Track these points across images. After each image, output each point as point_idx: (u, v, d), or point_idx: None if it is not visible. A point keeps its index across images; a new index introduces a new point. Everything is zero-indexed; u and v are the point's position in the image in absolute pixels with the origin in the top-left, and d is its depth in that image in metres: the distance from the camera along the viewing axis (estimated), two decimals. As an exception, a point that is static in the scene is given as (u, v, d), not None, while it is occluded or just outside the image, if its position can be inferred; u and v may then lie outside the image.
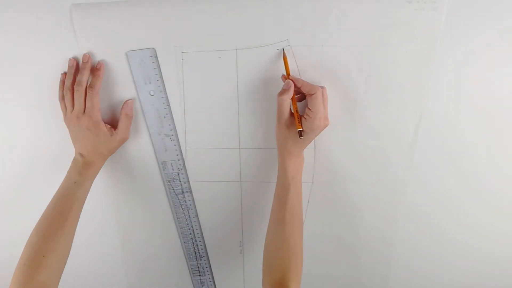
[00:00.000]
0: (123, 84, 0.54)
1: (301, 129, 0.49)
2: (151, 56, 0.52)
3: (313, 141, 0.56)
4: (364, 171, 0.58)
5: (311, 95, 0.48)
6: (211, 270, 0.70)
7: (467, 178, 0.58)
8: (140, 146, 0.59)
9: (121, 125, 0.54)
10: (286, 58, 0.50)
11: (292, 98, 0.50)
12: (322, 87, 0.50)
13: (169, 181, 0.61)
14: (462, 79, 0.51)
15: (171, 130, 0.57)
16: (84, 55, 0.51)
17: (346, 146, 0.56)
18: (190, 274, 0.70)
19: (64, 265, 0.51)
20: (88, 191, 0.54)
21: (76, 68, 0.52)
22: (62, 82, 0.53)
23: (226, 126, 0.57)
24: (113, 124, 0.56)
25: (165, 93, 0.54)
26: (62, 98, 0.53)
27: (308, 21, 0.49)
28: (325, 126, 0.50)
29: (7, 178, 0.64)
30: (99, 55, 0.53)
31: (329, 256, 0.65)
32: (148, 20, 0.50)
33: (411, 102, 0.53)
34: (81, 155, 0.54)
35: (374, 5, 0.47)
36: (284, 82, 0.50)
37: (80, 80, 0.51)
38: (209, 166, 0.60)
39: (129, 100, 0.55)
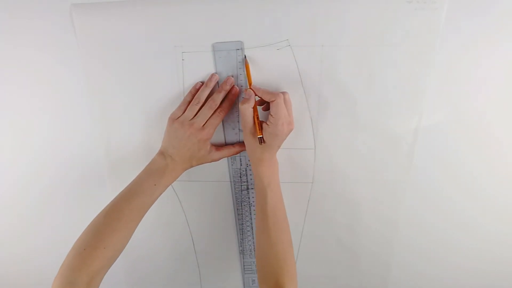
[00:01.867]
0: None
1: (261, 135, 0.50)
2: (238, 49, 0.52)
3: (313, 141, 0.56)
4: (364, 171, 0.58)
5: (272, 101, 0.48)
6: None
7: (465, 179, 0.58)
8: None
9: (224, 152, 0.56)
10: (248, 66, 0.51)
11: (253, 107, 0.50)
12: (284, 93, 0.50)
13: (234, 176, 0.61)
14: (461, 80, 0.51)
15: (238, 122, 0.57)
16: (229, 78, 0.52)
17: (346, 146, 0.56)
18: (242, 271, 0.69)
19: (116, 259, 0.50)
20: (163, 192, 0.54)
21: (216, 84, 0.53)
22: (195, 89, 0.53)
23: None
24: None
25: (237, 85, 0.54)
26: (187, 102, 0.53)
27: (308, 21, 0.49)
28: (290, 130, 0.51)
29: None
30: (101, 56, 0.53)
31: (329, 256, 0.65)
32: (148, 20, 0.50)
33: (411, 102, 0.53)
34: (171, 158, 0.53)
35: (374, 5, 0.47)
36: (245, 93, 0.51)
37: (216, 98, 0.52)
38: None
39: (243, 146, 0.56)
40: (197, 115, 0.52)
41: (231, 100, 0.53)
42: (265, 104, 0.53)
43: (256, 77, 0.53)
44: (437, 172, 0.58)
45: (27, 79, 0.55)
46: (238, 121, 0.57)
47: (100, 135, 0.59)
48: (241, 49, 0.51)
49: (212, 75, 0.53)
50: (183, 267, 0.69)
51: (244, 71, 0.52)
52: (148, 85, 0.55)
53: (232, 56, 0.52)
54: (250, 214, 0.63)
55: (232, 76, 0.53)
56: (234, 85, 0.53)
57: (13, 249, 0.72)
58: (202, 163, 0.56)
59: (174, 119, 0.53)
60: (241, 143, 0.57)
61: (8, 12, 0.51)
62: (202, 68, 0.53)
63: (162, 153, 0.54)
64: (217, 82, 0.53)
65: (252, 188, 0.61)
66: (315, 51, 0.51)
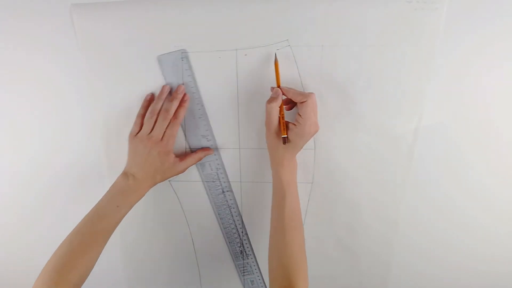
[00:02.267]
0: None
1: (286, 135, 0.50)
2: (182, 58, 0.52)
3: (313, 141, 0.56)
4: (364, 171, 0.58)
5: (302, 102, 0.49)
6: (259, 268, 0.69)
7: (466, 179, 0.58)
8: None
9: (188, 161, 0.56)
10: (277, 64, 0.51)
11: (280, 106, 0.50)
12: (312, 94, 0.50)
13: (207, 182, 0.61)
14: (461, 80, 0.51)
15: (206, 130, 0.57)
16: (180, 86, 0.53)
17: (345, 146, 0.56)
18: (239, 274, 0.69)
19: (89, 274, 0.51)
20: (127, 213, 0.54)
21: (167, 95, 0.53)
22: (147, 102, 0.54)
23: (226, 126, 0.57)
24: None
25: (199, 93, 0.54)
26: (141, 116, 0.54)
27: (308, 21, 0.49)
28: (315, 131, 0.51)
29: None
30: (101, 56, 0.53)
31: (329, 256, 0.65)
32: (148, 20, 0.50)
33: (411, 102, 0.53)
34: (133, 177, 0.53)
35: (374, 5, 0.47)
36: (272, 91, 0.51)
37: (169, 108, 0.52)
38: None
39: (210, 150, 0.57)
40: (154, 129, 0.52)
41: (184, 107, 0.53)
42: (290, 105, 0.53)
43: (256, 77, 0.53)
44: (437, 172, 0.58)
45: (27, 79, 0.56)
46: (200, 128, 0.56)
47: (100, 136, 0.59)
48: (185, 57, 0.52)
49: (164, 86, 0.53)
50: (183, 267, 0.69)
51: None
52: (148, 85, 0.54)
53: (178, 66, 0.52)
54: (232, 216, 0.63)
55: (183, 84, 0.53)
56: (185, 93, 0.53)
57: (12, 250, 0.72)
58: (168, 177, 0.56)
59: (133, 135, 0.53)
60: (204, 148, 0.57)
61: (7, 12, 0.51)
62: (202, 68, 0.53)
63: (125, 173, 0.54)
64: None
65: (228, 191, 0.61)
66: (315, 51, 0.51)
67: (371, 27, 0.49)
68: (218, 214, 0.63)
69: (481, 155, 0.56)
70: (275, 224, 0.53)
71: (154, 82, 0.54)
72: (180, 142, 0.58)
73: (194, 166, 0.59)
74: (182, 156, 0.56)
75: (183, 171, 0.56)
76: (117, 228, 0.66)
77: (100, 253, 0.51)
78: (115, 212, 0.52)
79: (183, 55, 0.52)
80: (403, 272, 0.66)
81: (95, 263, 0.51)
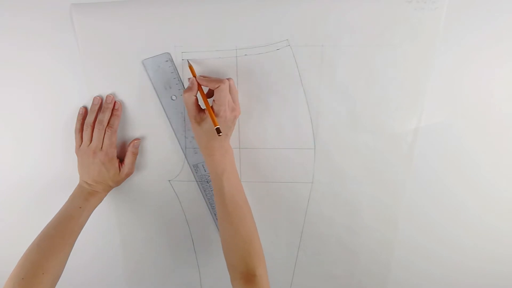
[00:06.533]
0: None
1: (218, 126, 0.47)
2: (167, 60, 0.52)
3: (313, 141, 0.56)
4: (364, 171, 0.58)
5: (216, 88, 0.48)
6: None
7: (466, 178, 0.58)
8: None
9: (127, 161, 0.57)
10: (191, 66, 0.52)
11: (203, 98, 0.50)
12: (229, 79, 0.49)
13: (202, 183, 0.61)
14: (461, 79, 0.51)
15: None
16: (108, 96, 0.55)
17: (346, 146, 0.56)
18: None
19: (57, 283, 0.51)
20: (90, 215, 0.57)
21: (99, 106, 0.55)
22: (81, 116, 0.56)
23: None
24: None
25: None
26: (79, 130, 0.56)
27: (308, 21, 0.49)
28: (235, 116, 0.50)
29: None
30: (101, 56, 0.53)
31: (329, 256, 0.65)
32: (148, 20, 0.50)
33: (411, 102, 0.53)
34: (88, 185, 0.57)
35: (374, 5, 0.47)
36: (189, 82, 0.50)
37: (102, 119, 0.54)
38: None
39: (136, 140, 0.58)
40: (92, 142, 0.55)
41: (117, 115, 0.55)
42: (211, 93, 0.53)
43: (256, 78, 0.53)
44: (437, 172, 0.58)
45: (26, 79, 0.55)
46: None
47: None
48: (170, 59, 0.52)
49: (94, 98, 0.55)
50: (183, 267, 0.69)
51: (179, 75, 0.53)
52: (147, 85, 0.54)
53: (164, 68, 0.53)
54: None
55: (170, 87, 0.54)
56: (115, 101, 0.55)
57: (13, 250, 0.71)
58: (120, 181, 0.59)
59: (77, 148, 0.56)
60: (131, 142, 0.57)
61: (7, 12, 0.51)
62: (202, 67, 0.53)
63: (80, 184, 0.58)
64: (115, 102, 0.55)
65: None
66: (315, 51, 0.51)
67: (371, 27, 0.49)
68: (215, 214, 0.63)
69: (482, 154, 0.56)
70: (220, 213, 0.53)
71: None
72: (174, 145, 0.58)
73: (188, 169, 0.59)
74: (122, 160, 0.58)
75: (131, 171, 0.58)
76: (117, 228, 0.66)
77: (68, 256, 0.53)
78: (78, 213, 0.54)
79: (168, 58, 0.52)
80: (403, 272, 0.66)
81: (64, 267, 0.52)
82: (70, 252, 0.53)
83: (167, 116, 0.56)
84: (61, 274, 0.52)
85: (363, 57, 0.50)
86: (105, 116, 0.54)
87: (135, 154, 0.58)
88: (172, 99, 0.55)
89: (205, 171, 0.60)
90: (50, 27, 0.52)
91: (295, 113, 0.54)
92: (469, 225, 0.61)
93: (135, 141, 0.57)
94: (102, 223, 0.65)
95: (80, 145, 0.56)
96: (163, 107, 0.56)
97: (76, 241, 0.54)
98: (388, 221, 0.62)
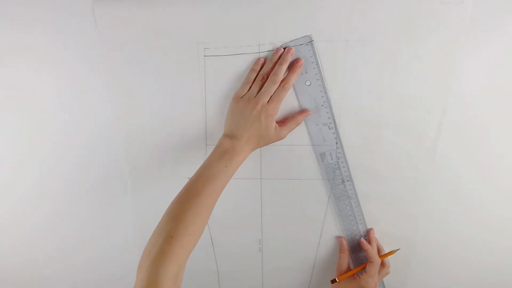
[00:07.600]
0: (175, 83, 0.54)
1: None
2: (306, 44, 0.50)
3: (335, 137, 0.56)
4: (386, 167, 0.57)
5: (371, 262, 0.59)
6: None
7: (490, 176, 0.57)
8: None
9: (287, 127, 0.53)
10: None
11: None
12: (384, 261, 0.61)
13: (328, 173, 0.59)
14: (487, 75, 0.51)
15: (329, 118, 0.55)
16: (289, 48, 0.50)
17: (368, 142, 0.56)
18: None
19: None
20: (233, 175, 0.51)
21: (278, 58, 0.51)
22: (258, 65, 0.52)
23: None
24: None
25: (322, 81, 0.53)
26: (251, 80, 0.52)
27: (332, 16, 0.49)
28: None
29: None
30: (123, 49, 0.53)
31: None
32: (171, 15, 0.50)
33: (435, 98, 0.52)
34: (237, 139, 0.51)
35: (399, -1, 0.47)
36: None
37: (279, 71, 0.50)
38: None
39: (308, 110, 0.54)
40: (260, 92, 0.50)
41: (295, 72, 0.51)
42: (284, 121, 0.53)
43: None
44: (459, 170, 0.57)
45: (48, 73, 0.55)
46: (322, 115, 0.55)
47: (120, 130, 0.58)
48: (310, 43, 0.50)
49: (277, 49, 0.51)
50: (201, 267, 0.68)
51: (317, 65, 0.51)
52: (169, 80, 0.54)
53: (304, 53, 0.51)
54: (352, 207, 0.61)
55: (307, 72, 0.52)
56: (299, 57, 0.51)
57: (29, 254, 0.71)
58: (270, 143, 0.53)
59: (239, 97, 0.51)
60: (302, 111, 0.54)
61: (28, 5, 0.51)
62: (225, 64, 0.52)
63: (227, 136, 0.52)
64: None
65: (348, 181, 0.59)
66: (339, 46, 0.50)
67: (395, 22, 0.48)
68: (337, 206, 0.62)
69: (506, 152, 0.55)
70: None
71: (175, 76, 0.54)
72: (302, 132, 0.56)
73: (314, 158, 0.58)
74: (281, 122, 0.54)
75: (284, 137, 0.54)
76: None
77: (209, 218, 0.49)
78: (224, 172, 0.50)
79: (308, 40, 0.50)
80: (424, 269, 0.66)
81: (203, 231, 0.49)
82: (210, 215, 0.50)
83: (299, 102, 0.55)
84: (199, 238, 0.48)
85: (388, 51, 0.50)
86: (281, 68, 0.49)
87: (298, 124, 0.54)
88: (307, 85, 0.53)
89: (332, 159, 0.58)
90: (72, 21, 0.51)
91: (315, 107, 0.54)
92: (495, 224, 0.61)
93: (307, 112, 0.54)
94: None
95: (244, 95, 0.51)
96: (295, 93, 0.54)
97: (93, 239, 0.52)
98: (409, 218, 0.61)
